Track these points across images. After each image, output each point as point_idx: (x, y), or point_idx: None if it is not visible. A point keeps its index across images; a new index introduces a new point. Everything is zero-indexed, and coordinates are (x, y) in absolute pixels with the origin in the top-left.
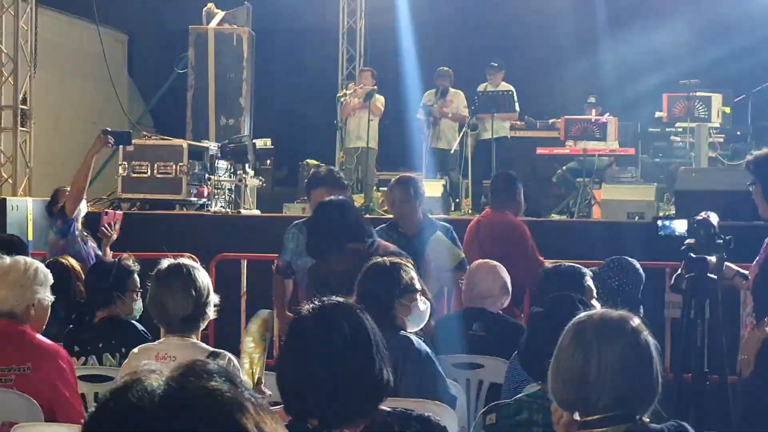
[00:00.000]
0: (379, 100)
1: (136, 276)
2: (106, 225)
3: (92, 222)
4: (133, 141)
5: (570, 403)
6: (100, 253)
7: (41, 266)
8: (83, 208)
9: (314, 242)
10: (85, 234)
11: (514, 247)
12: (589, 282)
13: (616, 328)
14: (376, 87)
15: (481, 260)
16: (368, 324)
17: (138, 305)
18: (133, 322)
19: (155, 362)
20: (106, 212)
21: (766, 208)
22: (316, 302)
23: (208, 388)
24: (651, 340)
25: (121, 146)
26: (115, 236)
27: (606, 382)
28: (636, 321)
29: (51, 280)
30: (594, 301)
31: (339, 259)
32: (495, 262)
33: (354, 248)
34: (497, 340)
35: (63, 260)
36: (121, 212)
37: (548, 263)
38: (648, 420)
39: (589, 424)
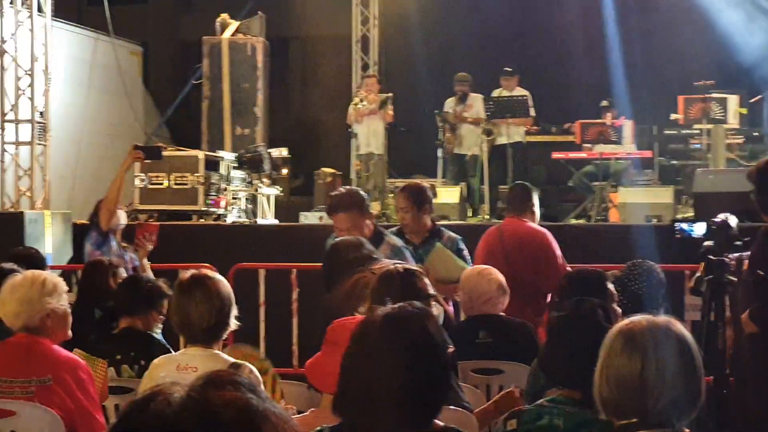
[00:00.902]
0: (390, 108)
1: (166, 302)
2: (140, 237)
3: (133, 233)
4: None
5: (626, 410)
6: (138, 264)
7: (50, 276)
8: (122, 219)
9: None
10: (125, 245)
11: (542, 254)
12: (610, 286)
13: (667, 333)
14: (391, 95)
15: (470, 269)
16: (436, 329)
17: (158, 329)
18: (153, 334)
19: (177, 373)
20: (140, 224)
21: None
22: (383, 308)
23: (230, 398)
24: (695, 345)
25: (161, 155)
26: (150, 247)
27: (664, 387)
28: (680, 325)
29: (64, 288)
30: (615, 306)
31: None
32: (484, 266)
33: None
34: (506, 343)
35: (100, 259)
36: (157, 224)
37: (571, 267)
38: (687, 430)
39: (625, 428)
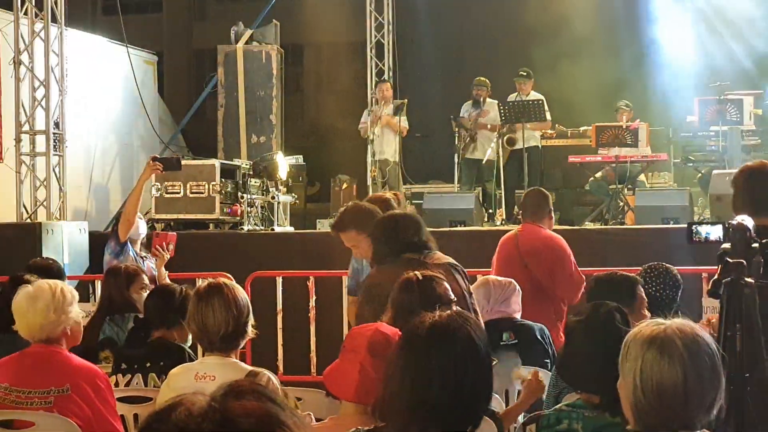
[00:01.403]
0: (405, 120)
1: None
2: (157, 246)
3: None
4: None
5: (667, 421)
6: (156, 273)
7: (65, 285)
8: (142, 229)
9: (374, 251)
10: (144, 255)
11: (558, 260)
12: (641, 291)
13: (696, 340)
14: (406, 101)
15: (478, 281)
16: (480, 337)
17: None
18: (185, 347)
19: (194, 382)
20: (157, 234)
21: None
22: (430, 316)
23: (249, 408)
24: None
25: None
26: (167, 256)
27: (703, 393)
28: (703, 330)
29: (77, 296)
30: (645, 311)
31: (392, 269)
32: (494, 277)
33: (408, 258)
34: (528, 343)
35: (117, 266)
36: (174, 233)
37: (588, 271)
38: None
39: None
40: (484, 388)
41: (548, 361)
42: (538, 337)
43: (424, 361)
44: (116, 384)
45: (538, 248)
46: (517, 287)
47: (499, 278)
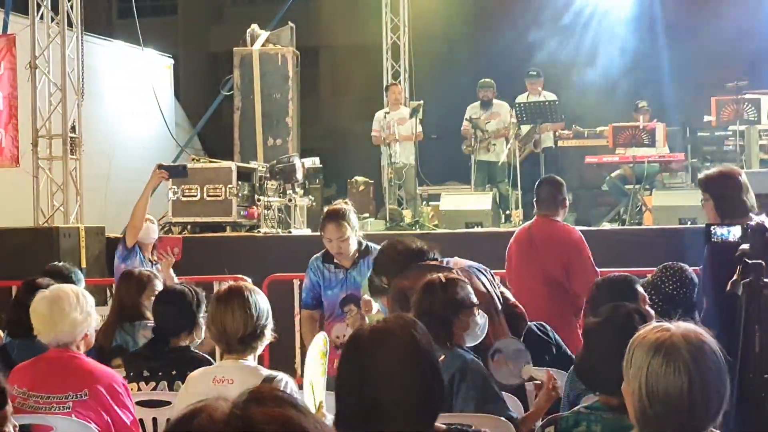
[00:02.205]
0: (419, 126)
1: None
2: (161, 251)
3: None
4: (188, 172)
5: (670, 427)
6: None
7: (81, 290)
8: (153, 234)
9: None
10: (153, 259)
11: (574, 254)
12: (640, 289)
13: (700, 347)
14: (422, 102)
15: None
16: (423, 338)
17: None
18: (209, 358)
19: (213, 385)
20: (161, 238)
21: (719, 221)
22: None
23: (271, 414)
24: (720, 351)
25: (185, 173)
26: (173, 260)
27: (708, 403)
28: (706, 334)
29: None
30: (647, 308)
31: (419, 273)
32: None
33: (431, 265)
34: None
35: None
36: (180, 237)
37: (605, 272)
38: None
39: None
40: (428, 392)
41: (547, 357)
42: (539, 334)
43: (367, 361)
44: (139, 391)
45: (553, 242)
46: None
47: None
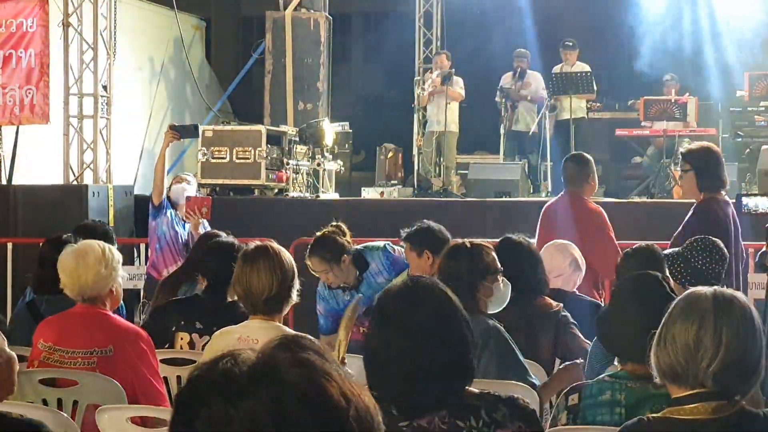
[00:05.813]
0: (458, 83)
1: None
2: (189, 210)
3: None
4: (200, 132)
5: (680, 373)
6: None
7: (109, 246)
8: (190, 192)
9: None
10: (185, 218)
11: (594, 232)
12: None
13: (730, 301)
14: (453, 69)
15: (550, 243)
16: (455, 301)
17: None
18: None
19: (237, 344)
20: (189, 198)
21: (696, 192)
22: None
23: (296, 358)
24: (758, 319)
25: (197, 133)
26: (201, 219)
27: (719, 351)
28: (745, 299)
29: (121, 257)
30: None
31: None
32: (563, 241)
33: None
34: (577, 320)
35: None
36: (209, 197)
37: (627, 244)
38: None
39: (682, 400)
40: (462, 356)
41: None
42: (590, 315)
43: (392, 323)
44: (191, 344)
45: (577, 218)
46: (581, 266)
47: (567, 252)
